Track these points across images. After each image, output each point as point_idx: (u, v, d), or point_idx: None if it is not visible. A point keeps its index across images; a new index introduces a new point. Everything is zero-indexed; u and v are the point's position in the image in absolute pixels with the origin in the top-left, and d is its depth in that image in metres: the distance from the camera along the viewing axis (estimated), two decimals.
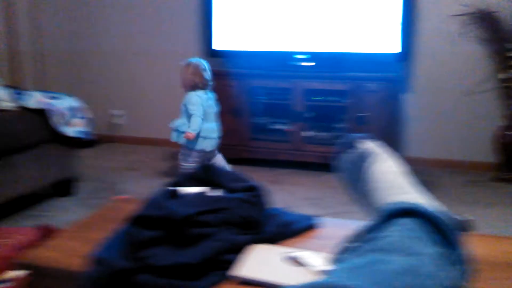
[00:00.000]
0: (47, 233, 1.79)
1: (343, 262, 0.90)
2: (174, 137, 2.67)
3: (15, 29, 3.43)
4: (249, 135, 3.16)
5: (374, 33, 2.97)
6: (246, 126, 3.15)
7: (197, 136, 2.58)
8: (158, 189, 1.18)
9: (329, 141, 3.09)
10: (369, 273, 0.64)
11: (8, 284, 1.41)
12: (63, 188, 2.55)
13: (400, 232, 0.74)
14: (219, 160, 2.72)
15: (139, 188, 2.71)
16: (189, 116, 2.59)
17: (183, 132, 2.60)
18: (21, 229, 1.83)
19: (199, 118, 2.57)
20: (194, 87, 2.60)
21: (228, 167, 2.67)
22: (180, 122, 2.64)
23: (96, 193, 2.62)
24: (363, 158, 1.03)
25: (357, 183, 1.05)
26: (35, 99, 2.25)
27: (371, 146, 1.07)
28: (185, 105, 2.63)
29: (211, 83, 2.70)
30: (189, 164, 2.61)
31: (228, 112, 3.16)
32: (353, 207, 2.51)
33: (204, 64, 2.70)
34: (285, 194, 2.63)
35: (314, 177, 3.01)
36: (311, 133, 3.14)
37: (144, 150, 3.73)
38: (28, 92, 2.33)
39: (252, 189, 1.17)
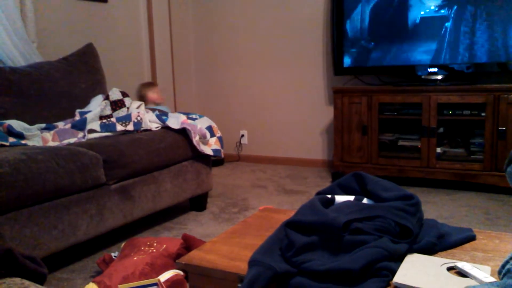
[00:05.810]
0: (190, 243, 1.91)
1: None
2: None
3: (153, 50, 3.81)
4: (377, 152, 3.09)
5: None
6: (374, 143, 3.09)
7: None
8: (314, 197, 1.20)
9: (464, 157, 2.91)
10: None
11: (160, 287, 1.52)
12: (198, 202, 2.71)
13: None
14: None
15: (267, 205, 2.77)
16: None
17: None
18: (166, 239, 1.97)
19: None
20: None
21: None
22: None
23: (227, 208, 2.73)
24: None
25: None
26: (178, 121, 2.43)
27: None
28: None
29: None
30: None
31: (356, 129, 3.13)
32: (492, 227, 2.32)
33: None
34: None
35: (446, 195, 2.85)
36: (443, 149, 2.98)
37: (268, 168, 3.83)
38: (172, 114, 2.53)
39: (407, 198, 1.14)
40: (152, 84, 3.54)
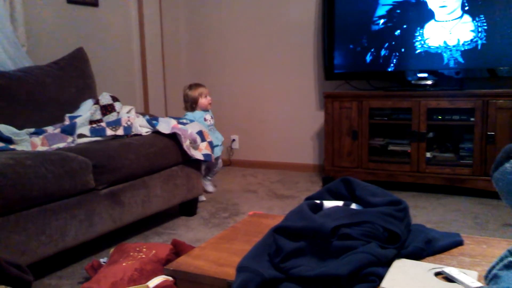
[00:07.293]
0: (180, 248, 1.90)
1: (502, 280, 0.84)
2: (218, 151, 3.08)
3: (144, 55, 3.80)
4: (367, 157, 3.11)
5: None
6: (364, 148, 3.10)
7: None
8: (302, 202, 1.20)
9: (453, 162, 2.93)
10: None
11: None
12: (188, 207, 2.70)
13: None
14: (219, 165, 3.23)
15: (257, 209, 2.77)
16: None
17: (216, 146, 3.02)
18: (155, 244, 1.96)
19: None
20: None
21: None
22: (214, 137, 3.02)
23: (217, 213, 2.72)
24: None
25: None
26: (168, 125, 2.43)
27: None
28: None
29: None
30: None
31: (346, 134, 3.14)
32: (481, 231, 2.34)
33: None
34: None
35: (435, 200, 2.86)
36: (433, 154, 3.00)
37: (259, 173, 3.83)
38: (163, 119, 2.52)
39: (395, 203, 1.15)
40: (201, 86, 3.19)
